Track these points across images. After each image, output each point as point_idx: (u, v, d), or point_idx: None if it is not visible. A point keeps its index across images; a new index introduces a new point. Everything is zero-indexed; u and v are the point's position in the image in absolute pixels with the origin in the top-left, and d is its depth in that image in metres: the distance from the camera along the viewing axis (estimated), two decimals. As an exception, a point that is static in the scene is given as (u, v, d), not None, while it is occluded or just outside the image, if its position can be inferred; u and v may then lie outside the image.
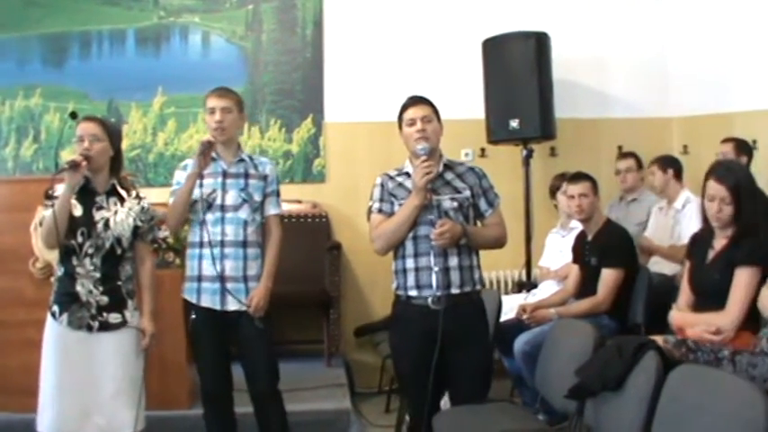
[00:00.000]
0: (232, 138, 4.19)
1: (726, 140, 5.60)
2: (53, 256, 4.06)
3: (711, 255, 3.82)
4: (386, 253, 3.91)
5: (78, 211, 3.77)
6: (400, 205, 3.84)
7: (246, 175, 4.16)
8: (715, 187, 3.72)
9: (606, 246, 4.97)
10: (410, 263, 3.81)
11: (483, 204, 3.92)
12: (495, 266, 6.53)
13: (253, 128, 6.81)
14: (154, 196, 4.41)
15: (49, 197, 3.74)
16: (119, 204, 3.87)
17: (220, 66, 6.80)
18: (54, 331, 3.77)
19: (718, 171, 3.78)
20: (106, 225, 3.79)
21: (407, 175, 3.90)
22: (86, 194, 3.81)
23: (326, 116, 6.91)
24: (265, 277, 4.13)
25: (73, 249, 3.75)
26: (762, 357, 3.22)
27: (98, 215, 3.80)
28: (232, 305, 4.07)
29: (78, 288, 3.75)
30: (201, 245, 4.09)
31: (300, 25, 6.93)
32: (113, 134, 3.89)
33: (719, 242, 3.80)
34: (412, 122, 3.84)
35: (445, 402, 4.03)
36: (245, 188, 4.13)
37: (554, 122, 6.31)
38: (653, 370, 3.07)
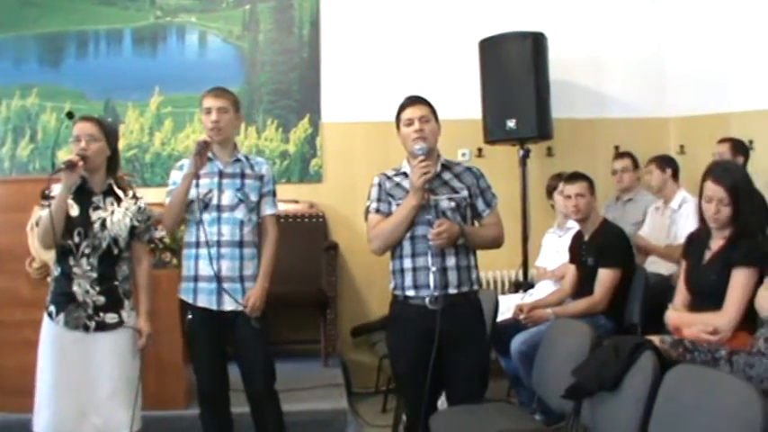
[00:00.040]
0: (228, 138, 4.18)
1: (722, 141, 5.61)
2: (50, 257, 4.06)
3: (708, 255, 3.82)
4: (383, 253, 3.92)
5: (75, 211, 3.77)
6: (398, 205, 3.84)
7: (243, 175, 4.16)
8: (713, 188, 3.71)
9: (603, 246, 4.97)
10: (408, 263, 3.81)
11: (480, 204, 3.92)
12: (492, 266, 6.53)
13: (250, 128, 6.80)
14: (150, 196, 4.41)
15: (46, 197, 3.74)
16: (115, 204, 3.87)
17: (217, 66, 6.79)
18: (51, 331, 3.77)
19: (716, 172, 3.77)
20: (103, 225, 3.79)
21: (405, 175, 3.90)
22: (83, 194, 3.81)
23: (323, 116, 6.91)
24: (262, 277, 4.13)
25: (70, 249, 3.75)
26: (759, 357, 3.22)
27: (95, 215, 3.80)
28: (229, 305, 4.06)
29: (75, 288, 3.75)
30: (198, 245, 4.08)
31: (297, 25, 6.93)
32: (110, 134, 3.89)
33: (716, 243, 3.79)
34: (410, 122, 3.83)
35: (442, 402, 4.03)
36: (241, 188, 4.13)
37: (551, 122, 6.31)
38: (650, 370, 3.07)
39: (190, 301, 4.11)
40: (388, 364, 4.75)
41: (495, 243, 3.98)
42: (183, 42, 6.87)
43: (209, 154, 4.08)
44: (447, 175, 3.90)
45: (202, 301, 4.08)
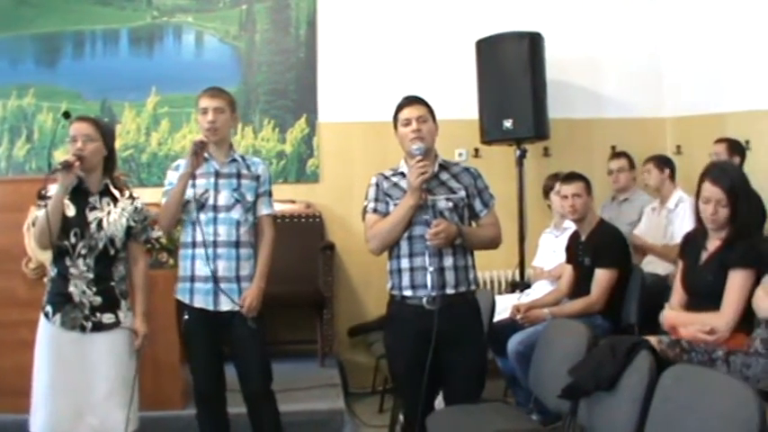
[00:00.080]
0: (224, 138, 4.18)
1: (719, 141, 5.62)
2: (46, 257, 4.05)
3: (705, 256, 3.82)
4: (381, 253, 3.91)
5: (71, 211, 3.76)
6: (395, 205, 3.83)
7: (239, 176, 4.16)
8: (710, 189, 3.71)
9: (599, 246, 4.97)
10: (405, 263, 3.81)
11: (478, 205, 3.92)
12: (489, 266, 6.53)
13: (246, 128, 6.80)
14: (147, 196, 4.41)
15: (42, 197, 3.73)
16: (112, 204, 3.86)
17: (214, 66, 6.79)
18: (47, 332, 3.76)
19: (714, 173, 3.78)
20: (99, 225, 3.79)
21: (403, 175, 3.90)
22: (79, 195, 3.80)
23: (320, 116, 6.91)
24: (258, 277, 4.12)
25: (66, 250, 3.74)
26: (756, 358, 3.23)
27: (91, 215, 3.79)
28: (225, 305, 4.06)
29: (71, 288, 3.74)
30: (194, 245, 4.08)
31: (294, 25, 6.93)
32: (106, 134, 3.89)
33: (713, 243, 3.80)
34: (407, 122, 3.83)
35: (439, 402, 4.03)
36: (237, 188, 4.13)
37: (547, 123, 6.32)
38: (646, 370, 3.08)
39: (186, 301, 4.11)
40: (384, 365, 4.75)
41: (493, 243, 3.99)
42: (179, 42, 6.87)
43: (206, 154, 4.08)
44: (445, 176, 3.90)
45: (199, 302, 4.08)
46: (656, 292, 4.84)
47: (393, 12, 6.88)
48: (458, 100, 6.43)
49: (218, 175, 4.12)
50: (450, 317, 3.72)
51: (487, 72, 6.34)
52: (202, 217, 4.06)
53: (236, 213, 4.10)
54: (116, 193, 3.91)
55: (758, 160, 5.68)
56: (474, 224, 3.95)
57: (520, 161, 6.39)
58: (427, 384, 3.73)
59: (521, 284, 6.17)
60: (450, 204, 3.82)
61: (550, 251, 5.76)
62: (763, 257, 3.62)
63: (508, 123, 6.17)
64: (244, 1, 6.90)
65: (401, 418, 4.33)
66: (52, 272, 3.82)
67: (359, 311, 6.67)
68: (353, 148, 6.80)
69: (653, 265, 5.58)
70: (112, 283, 3.83)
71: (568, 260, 5.25)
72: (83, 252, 3.75)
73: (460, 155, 6.71)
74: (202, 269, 4.05)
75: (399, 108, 3.90)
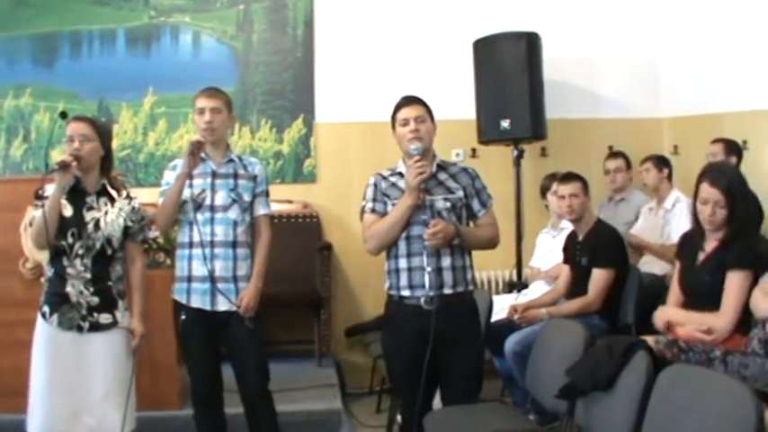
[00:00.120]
0: (221, 138, 4.18)
1: (715, 141, 5.62)
2: (43, 257, 4.05)
3: (702, 256, 3.83)
4: (379, 253, 3.91)
5: (68, 211, 3.76)
6: (393, 205, 3.84)
7: (236, 176, 4.15)
8: (708, 190, 3.72)
9: (597, 246, 4.97)
10: (403, 263, 3.81)
11: (476, 205, 3.92)
12: (486, 266, 6.53)
13: (243, 128, 6.80)
14: (144, 196, 4.40)
15: (39, 197, 3.73)
16: (109, 204, 3.86)
17: (211, 66, 6.78)
18: (44, 332, 3.75)
19: (712, 174, 3.78)
20: (96, 225, 3.78)
21: (401, 174, 3.90)
22: (77, 195, 3.79)
23: (317, 116, 6.90)
24: (255, 277, 4.12)
25: (63, 250, 3.74)
26: (753, 357, 3.23)
27: (88, 215, 3.79)
28: (222, 305, 4.06)
29: (69, 289, 3.74)
30: (191, 245, 4.08)
31: (291, 25, 6.93)
32: (104, 134, 3.88)
33: (710, 244, 3.80)
34: (405, 122, 3.83)
35: (437, 402, 4.03)
36: (234, 188, 4.13)
37: (545, 123, 6.32)
38: (643, 370, 3.08)
39: (183, 301, 4.10)
40: (382, 365, 4.75)
41: (491, 243, 3.99)
42: (176, 42, 6.86)
43: (202, 154, 4.07)
44: (443, 176, 3.90)
45: (196, 302, 4.07)
46: (654, 293, 4.85)
47: (390, 12, 6.88)
48: (455, 100, 6.43)
49: (215, 175, 4.12)
50: (447, 317, 3.72)
51: (485, 72, 6.34)
52: (199, 217, 4.06)
53: (233, 213, 4.10)
54: (113, 193, 3.91)
55: (755, 160, 5.69)
56: (472, 224, 3.96)
57: (517, 161, 6.39)
58: (425, 384, 3.73)
59: (518, 284, 6.18)
60: (449, 204, 3.82)
61: (548, 251, 5.77)
62: (761, 258, 3.63)
63: (505, 123, 6.17)
64: (241, 1, 6.90)
65: (398, 418, 4.34)
66: (49, 272, 3.82)
67: (356, 311, 6.67)
68: (351, 148, 6.79)
69: (650, 266, 5.58)
70: (110, 283, 3.83)
71: (565, 260, 5.25)
72: (80, 252, 3.75)
73: (458, 155, 6.71)
74: (199, 269, 4.05)
75: (397, 108, 3.90)
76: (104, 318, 3.78)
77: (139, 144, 6.79)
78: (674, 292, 3.98)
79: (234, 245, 4.09)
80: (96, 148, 3.81)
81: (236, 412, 4.24)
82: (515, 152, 6.37)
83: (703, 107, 6.42)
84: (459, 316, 3.81)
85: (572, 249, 5.17)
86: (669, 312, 3.90)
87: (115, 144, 4.51)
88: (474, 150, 6.77)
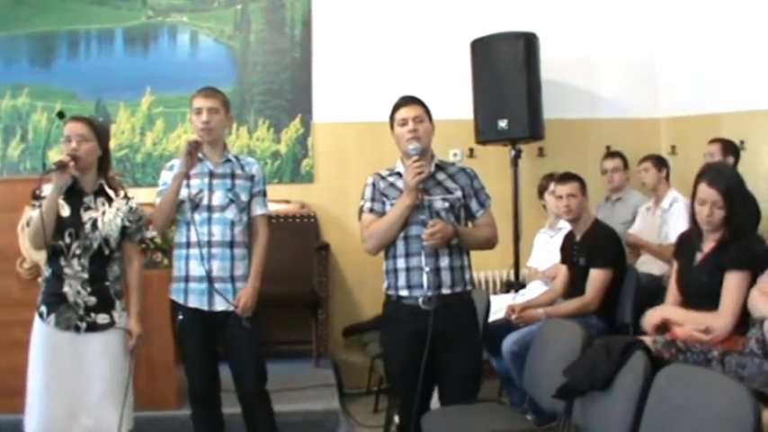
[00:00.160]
0: (219, 138, 4.18)
1: (713, 141, 5.63)
2: (40, 257, 4.05)
3: (699, 257, 3.83)
4: (377, 253, 3.92)
5: (66, 211, 3.75)
6: (392, 205, 3.84)
7: (233, 176, 4.15)
8: (706, 191, 3.72)
9: (594, 246, 4.97)
10: (401, 263, 3.81)
11: (474, 205, 3.92)
12: (484, 266, 6.53)
13: (241, 128, 6.79)
14: (142, 196, 4.40)
15: (37, 197, 3.73)
16: (106, 204, 3.86)
17: (209, 66, 6.78)
18: (41, 332, 3.75)
19: (710, 174, 3.78)
20: (94, 225, 3.78)
21: (399, 174, 3.90)
22: (74, 195, 3.79)
23: (315, 116, 6.90)
24: (253, 277, 4.12)
25: (60, 250, 3.74)
26: (751, 358, 3.23)
27: (86, 215, 3.79)
28: (219, 305, 4.05)
29: (66, 289, 3.74)
30: (189, 245, 4.08)
31: (289, 25, 6.92)
32: (101, 134, 3.88)
33: (708, 245, 3.80)
34: (404, 122, 3.84)
35: (435, 402, 4.03)
36: (231, 188, 4.12)
37: (542, 123, 6.32)
38: (641, 370, 3.08)
39: (181, 301, 4.10)
40: (379, 365, 4.75)
41: (489, 243, 3.99)
42: (174, 42, 6.86)
43: (200, 154, 4.07)
44: (441, 176, 3.90)
45: (193, 302, 4.07)
46: (651, 293, 4.85)
47: (388, 12, 6.88)
48: (453, 100, 6.42)
49: (212, 175, 4.12)
50: (445, 317, 3.73)
51: (482, 72, 6.34)
52: (197, 217, 4.05)
53: (231, 213, 4.10)
54: (111, 193, 3.91)
55: (753, 160, 5.70)
56: (470, 224, 3.96)
57: (515, 161, 6.39)
58: (423, 384, 3.73)
59: (515, 284, 6.18)
60: (447, 204, 3.83)
61: (545, 251, 5.77)
62: (758, 258, 3.63)
63: (503, 123, 6.17)
64: (239, 1, 6.89)
65: (396, 418, 4.33)
66: (47, 272, 3.82)
67: (354, 311, 6.67)
68: (348, 148, 6.79)
69: (647, 266, 5.58)
70: (107, 284, 3.83)
71: (563, 260, 5.25)
72: (77, 252, 3.75)
73: (455, 155, 6.71)
74: (197, 269, 4.05)
75: (396, 108, 3.90)
76: (102, 318, 3.78)
77: (137, 144, 6.78)
78: (672, 293, 3.98)
79: (231, 245, 4.09)
80: (94, 148, 3.81)
81: (234, 412, 4.23)
82: (513, 152, 6.37)
83: (701, 107, 6.43)
84: (458, 316, 3.82)
85: (569, 249, 5.17)
86: (668, 312, 3.90)
87: (113, 144, 4.50)
88: (471, 150, 6.77)
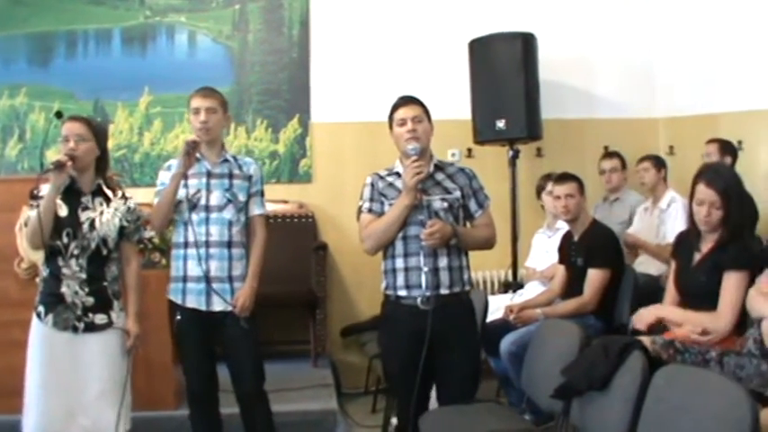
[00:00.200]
0: (216, 138, 4.17)
1: (710, 141, 5.63)
2: (38, 257, 4.04)
3: (697, 257, 3.83)
4: (376, 253, 3.92)
5: (64, 211, 3.75)
6: (390, 205, 3.84)
7: (231, 176, 4.15)
8: (704, 191, 3.71)
9: (592, 246, 4.97)
10: (400, 263, 3.81)
11: (473, 205, 3.92)
12: (482, 267, 6.54)
13: (239, 128, 6.79)
14: (140, 196, 4.41)
15: (35, 197, 3.72)
16: (104, 204, 3.86)
17: (207, 65, 6.78)
18: (39, 332, 3.75)
19: (708, 175, 3.78)
20: (92, 225, 3.78)
21: (398, 174, 3.90)
22: (72, 195, 3.79)
23: (313, 116, 6.90)
24: (250, 277, 4.12)
25: (58, 250, 3.74)
26: (749, 358, 3.23)
27: (84, 215, 3.79)
28: (217, 305, 4.05)
29: (64, 289, 3.74)
30: (186, 245, 4.07)
31: (287, 25, 6.92)
32: (99, 134, 3.88)
33: (706, 245, 3.80)
34: (402, 122, 3.84)
35: (433, 402, 4.03)
36: (229, 188, 4.12)
37: (540, 123, 6.32)
38: (638, 370, 3.08)
39: (179, 301, 4.10)
40: (377, 365, 4.75)
41: (488, 244, 3.99)
42: (172, 42, 6.85)
43: (197, 154, 4.07)
44: (440, 176, 3.91)
45: (191, 302, 4.07)
46: (649, 293, 4.85)
47: (386, 12, 6.88)
48: (450, 100, 6.41)
49: (210, 175, 4.11)
50: (444, 317, 3.73)
51: (480, 72, 6.34)
52: (194, 217, 4.05)
53: (229, 213, 4.09)
54: (109, 193, 3.90)
55: (750, 160, 5.70)
56: (469, 225, 3.96)
57: (513, 161, 6.39)
58: (420, 384, 3.73)
59: (513, 285, 6.18)
60: (446, 205, 3.83)
61: (543, 251, 5.77)
62: (756, 258, 3.63)
63: (501, 124, 6.17)
64: (237, 1, 6.89)
65: (394, 420, 4.33)
66: (44, 272, 3.82)
67: (352, 312, 6.67)
68: (346, 148, 6.79)
69: (645, 266, 5.59)
70: (105, 284, 3.83)
71: (561, 260, 5.25)
72: (75, 252, 3.74)
73: (453, 155, 6.71)
74: (195, 269, 4.04)
75: (395, 108, 3.91)
76: (99, 318, 3.78)
77: (135, 144, 6.78)
78: (670, 293, 3.98)
79: (229, 245, 4.09)
80: (92, 148, 3.80)
81: (232, 412, 4.23)
82: (511, 152, 6.37)
83: (699, 107, 6.44)
84: (456, 316, 3.82)
85: (567, 249, 5.17)
86: (665, 311, 3.90)
87: (111, 144, 4.49)
88: (470, 150, 6.77)
